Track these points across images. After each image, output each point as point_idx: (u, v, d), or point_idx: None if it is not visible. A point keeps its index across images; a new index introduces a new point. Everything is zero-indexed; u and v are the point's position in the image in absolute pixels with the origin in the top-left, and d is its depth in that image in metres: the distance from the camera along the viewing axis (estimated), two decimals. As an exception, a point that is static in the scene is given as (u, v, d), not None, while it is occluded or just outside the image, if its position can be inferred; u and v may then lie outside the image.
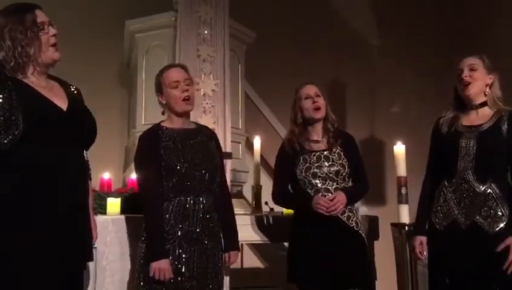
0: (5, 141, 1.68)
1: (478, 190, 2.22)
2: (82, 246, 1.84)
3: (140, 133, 2.43)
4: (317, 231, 2.35)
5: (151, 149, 2.24)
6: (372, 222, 3.08)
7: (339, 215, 2.36)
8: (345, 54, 4.95)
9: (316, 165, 2.41)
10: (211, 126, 2.72)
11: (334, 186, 2.40)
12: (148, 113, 3.53)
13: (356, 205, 2.59)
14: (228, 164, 3.14)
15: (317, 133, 2.50)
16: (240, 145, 3.69)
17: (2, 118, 1.67)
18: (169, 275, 2.12)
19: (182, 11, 3.36)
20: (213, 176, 2.28)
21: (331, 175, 2.40)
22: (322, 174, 2.40)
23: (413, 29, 5.02)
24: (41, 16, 1.83)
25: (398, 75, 4.98)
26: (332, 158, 2.43)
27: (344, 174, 2.42)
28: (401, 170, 3.05)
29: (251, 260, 4.16)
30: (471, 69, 2.30)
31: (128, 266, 2.58)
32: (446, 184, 2.30)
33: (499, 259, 2.14)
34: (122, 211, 2.72)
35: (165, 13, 3.57)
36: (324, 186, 2.39)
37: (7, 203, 1.69)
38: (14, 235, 1.68)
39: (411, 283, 2.93)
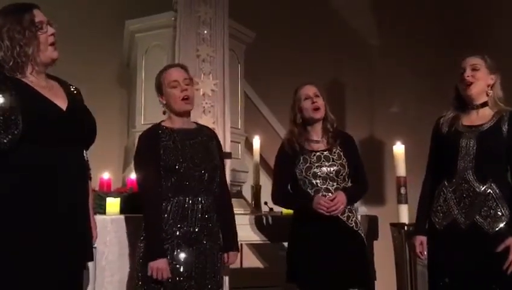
0: (5, 141, 1.68)
1: (478, 190, 2.22)
2: (82, 246, 1.84)
3: (140, 133, 2.43)
4: (317, 231, 2.35)
5: (151, 149, 2.24)
6: (372, 222, 3.08)
7: (338, 215, 2.36)
8: (345, 54, 4.95)
9: (316, 165, 2.41)
10: (210, 126, 2.72)
11: (335, 186, 2.40)
12: (148, 113, 3.53)
13: (355, 205, 2.59)
14: (227, 164, 3.13)
15: (316, 133, 2.50)
16: (240, 145, 3.69)
17: (1, 118, 1.67)
18: (167, 274, 2.12)
19: (182, 11, 3.36)
20: (212, 176, 2.28)
21: (331, 175, 2.40)
22: (322, 174, 2.40)
23: (413, 29, 5.02)
24: (39, 16, 1.83)
25: (397, 75, 4.98)
26: (332, 158, 2.43)
27: (344, 174, 2.43)
28: (401, 170, 3.06)
29: (250, 260, 4.16)
30: (474, 69, 2.30)
31: (128, 266, 2.58)
32: (446, 184, 2.30)
33: (498, 259, 2.14)
34: (122, 211, 2.73)
35: (164, 13, 3.57)
36: (324, 186, 2.40)
37: (7, 203, 1.69)
38: (14, 235, 1.68)
39: (410, 283, 2.93)
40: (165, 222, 2.18)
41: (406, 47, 5.02)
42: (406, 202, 3.03)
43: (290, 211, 2.74)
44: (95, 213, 2.14)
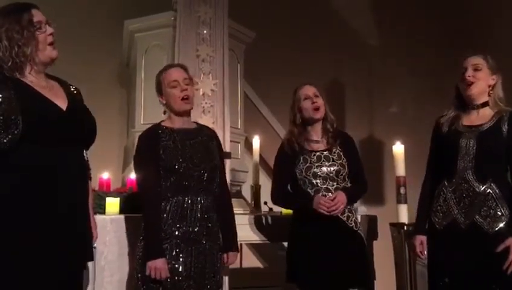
0: (5, 141, 1.68)
1: (478, 190, 2.22)
2: (82, 246, 1.84)
3: (139, 133, 2.43)
4: (317, 231, 2.35)
5: (151, 149, 2.24)
6: (371, 222, 3.08)
7: (338, 215, 2.36)
8: (345, 54, 4.95)
9: (316, 164, 2.41)
10: (210, 126, 2.72)
11: (335, 186, 2.41)
12: (147, 113, 3.53)
13: (355, 205, 2.59)
14: (227, 164, 3.13)
15: (316, 133, 2.51)
16: (239, 145, 3.69)
17: (1, 118, 1.67)
18: (165, 274, 2.12)
19: (181, 11, 3.36)
20: (212, 176, 2.28)
21: (331, 175, 2.41)
22: (322, 174, 2.40)
23: (413, 29, 5.02)
24: (37, 15, 1.83)
25: (397, 75, 4.98)
26: (332, 158, 2.44)
27: (344, 174, 2.43)
28: (400, 170, 3.06)
29: (250, 260, 4.16)
30: (475, 69, 2.29)
31: (127, 266, 2.58)
32: (446, 184, 2.30)
33: (498, 259, 2.14)
34: (121, 211, 2.72)
35: (164, 13, 3.57)
36: (324, 186, 2.40)
37: (7, 203, 1.69)
38: (14, 235, 1.68)
39: (410, 283, 2.93)
40: (164, 221, 2.18)
41: (406, 47, 5.02)
42: (406, 202, 3.04)
43: (290, 211, 2.74)
44: (94, 213, 2.14)
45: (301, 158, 2.44)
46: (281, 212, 3.08)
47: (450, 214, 2.27)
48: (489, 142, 2.25)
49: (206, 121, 3.08)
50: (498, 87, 2.32)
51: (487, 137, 2.26)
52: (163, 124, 2.34)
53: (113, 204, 2.71)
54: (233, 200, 2.60)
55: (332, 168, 2.41)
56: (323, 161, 2.43)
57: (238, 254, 2.55)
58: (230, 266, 2.54)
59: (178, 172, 2.21)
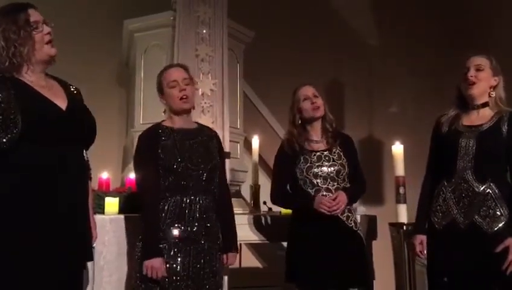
0: (4, 140, 1.68)
1: (477, 190, 2.23)
2: (82, 246, 1.84)
3: (139, 133, 2.43)
4: (317, 231, 2.35)
5: (150, 149, 2.24)
6: (371, 222, 3.08)
7: (338, 215, 2.37)
8: (345, 54, 4.94)
9: (316, 164, 2.42)
10: (209, 126, 2.72)
11: (335, 186, 2.41)
12: (147, 113, 3.52)
13: (354, 205, 2.60)
14: (226, 164, 3.13)
15: (316, 133, 2.51)
16: (238, 144, 3.68)
17: (0, 117, 1.68)
18: (162, 273, 2.12)
19: (181, 11, 3.36)
20: (211, 176, 2.28)
21: (331, 175, 2.41)
22: (323, 173, 2.41)
23: (413, 29, 5.01)
24: (34, 15, 1.83)
25: (397, 75, 4.98)
26: (332, 158, 2.44)
27: (344, 174, 2.44)
28: (399, 170, 3.07)
29: (249, 260, 4.16)
30: (478, 69, 2.29)
31: (126, 266, 2.57)
32: (445, 184, 2.30)
33: (497, 259, 2.14)
34: (121, 211, 2.72)
35: (163, 13, 3.56)
36: (325, 185, 2.40)
37: (7, 203, 1.69)
38: (14, 235, 1.68)
39: (409, 283, 2.94)
40: (162, 221, 2.18)
41: (406, 47, 5.01)
42: (405, 202, 3.04)
43: (289, 211, 2.74)
44: (94, 213, 2.14)
45: (301, 158, 2.44)
46: (280, 212, 3.08)
47: (450, 214, 2.27)
48: (489, 142, 2.25)
49: (205, 120, 3.08)
50: (500, 88, 2.32)
51: (487, 137, 2.26)
52: (163, 123, 2.34)
53: (112, 204, 2.71)
54: (233, 200, 2.60)
55: (332, 168, 2.42)
56: (324, 160, 2.43)
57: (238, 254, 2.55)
58: (230, 266, 2.53)
59: (176, 172, 2.21)
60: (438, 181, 2.35)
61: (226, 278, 2.61)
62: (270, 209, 3.20)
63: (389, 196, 4.23)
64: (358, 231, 2.45)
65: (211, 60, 3.34)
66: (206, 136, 2.37)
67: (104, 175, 3.05)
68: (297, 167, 2.44)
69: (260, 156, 3.54)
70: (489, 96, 2.31)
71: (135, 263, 2.24)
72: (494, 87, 2.31)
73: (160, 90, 2.36)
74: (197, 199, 2.23)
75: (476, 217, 2.22)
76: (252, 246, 4.19)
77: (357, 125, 4.65)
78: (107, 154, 3.97)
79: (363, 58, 5.00)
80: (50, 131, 1.76)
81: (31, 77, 1.81)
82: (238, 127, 3.72)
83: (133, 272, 2.29)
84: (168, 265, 2.14)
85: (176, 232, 2.18)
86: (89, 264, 2.25)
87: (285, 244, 2.65)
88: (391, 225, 3.04)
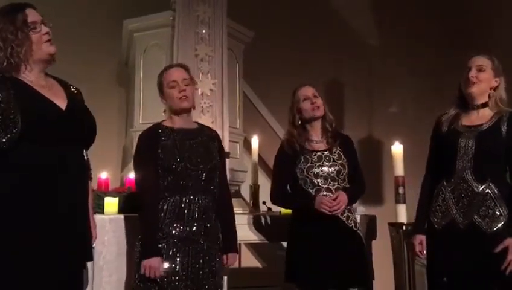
0: (4, 140, 1.69)
1: (476, 190, 2.23)
2: (82, 246, 1.84)
3: (138, 132, 2.44)
4: (317, 231, 2.36)
5: (150, 149, 2.25)
6: (370, 222, 3.08)
7: (338, 215, 2.37)
8: (345, 54, 4.94)
9: (317, 164, 2.42)
10: (208, 126, 2.72)
11: (335, 186, 2.42)
12: (146, 113, 3.52)
13: (354, 205, 2.60)
14: (226, 164, 3.13)
15: (316, 133, 2.51)
16: (238, 144, 3.68)
17: (0, 117, 1.68)
18: (159, 273, 2.12)
19: (180, 11, 3.35)
20: (211, 176, 2.28)
21: (332, 175, 2.42)
22: (323, 173, 2.41)
23: (413, 29, 5.01)
24: (32, 15, 1.83)
25: (397, 75, 4.98)
26: (333, 158, 2.45)
27: (344, 174, 2.45)
28: (399, 170, 3.07)
29: (249, 260, 4.16)
30: (479, 70, 2.29)
31: (126, 266, 2.57)
32: (445, 183, 2.31)
33: (497, 259, 2.14)
34: (120, 211, 2.72)
35: (163, 12, 3.56)
36: (326, 185, 2.41)
37: (7, 203, 1.69)
38: (14, 235, 1.68)
39: (408, 283, 2.94)
40: (161, 221, 2.18)
41: (406, 47, 5.01)
42: (404, 202, 3.04)
43: (289, 211, 2.74)
44: (94, 213, 2.14)
45: (302, 158, 2.45)
46: (279, 212, 3.08)
47: (449, 214, 2.27)
48: (488, 142, 2.25)
49: (204, 120, 3.08)
50: (501, 89, 2.32)
51: (486, 137, 2.26)
52: (163, 123, 2.34)
53: (111, 204, 2.71)
54: (232, 200, 2.60)
55: (333, 168, 2.42)
56: (324, 160, 2.44)
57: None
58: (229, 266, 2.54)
59: (176, 171, 2.21)
60: (437, 181, 2.35)
61: (225, 278, 2.61)
62: (269, 209, 3.20)
63: (388, 196, 4.22)
64: (358, 231, 2.46)
65: (211, 59, 3.34)
66: (207, 136, 2.38)
67: (104, 175, 3.05)
68: (298, 167, 2.44)
69: (260, 156, 3.54)
70: (490, 97, 2.31)
71: (134, 263, 2.24)
72: (495, 88, 2.31)
73: (161, 90, 2.36)
74: (196, 199, 2.23)
75: (475, 217, 2.22)
76: (252, 246, 4.19)
77: (357, 125, 4.65)
78: (107, 154, 3.97)
79: (363, 58, 5.00)
80: (50, 131, 1.76)
81: (31, 77, 1.82)
82: (238, 127, 3.71)
83: (132, 272, 2.28)
84: (166, 265, 2.14)
85: (174, 232, 2.18)
86: (89, 264, 2.25)
87: (284, 244, 2.65)
88: (390, 225, 3.04)
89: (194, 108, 2.42)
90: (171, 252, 2.16)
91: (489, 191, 2.22)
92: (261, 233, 2.97)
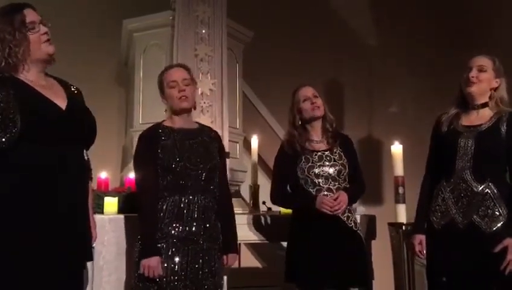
0: (3, 140, 1.68)
1: (476, 190, 2.23)
2: (82, 246, 1.84)
3: (138, 132, 2.44)
4: (317, 231, 2.36)
5: (150, 148, 2.25)
6: (370, 222, 3.08)
7: (339, 215, 2.37)
8: (345, 54, 4.94)
9: (318, 164, 2.43)
10: (209, 126, 2.72)
11: (336, 186, 2.42)
12: (146, 112, 3.52)
13: (354, 205, 2.60)
14: (226, 164, 3.13)
15: (316, 133, 2.52)
16: (238, 144, 3.68)
17: (-1, 117, 1.68)
18: (159, 272, 2.12)
19: (180, 10, 3.35)
20: (210, 176, 2.28)
21: (333, 175, 2.42)
22: (324, 173, 2.42)
23: (413, 29, 5.01)
24: (30, 15, 1.83)
25: (397, 75, 4.98)
26: (333, 158, 2.45)
27: (345, 174, 2.45)
28: (399, 170, 3.07)
29: (249, 260, 4.16)
30: (480, 70, 2.29)
31: (125, 266, 2.57)
32: (444, 183, 2.31)
33: (496, 259, 2.14)
34: (120, 211, 2.72)
35: (162, 12, 3.56)
36: (326, 185, 2.41)
37: (7, 203, 1.69)
38: (14, 235, 1.68)
39: (408, 282, 2.93)
40: (160, 221, 2.18)
41: (406, 47, 5.02)
42: (404, 202, 3.04)
43: (289, 211, 2.74)
44: (93, 213, 2.14)
45: (303, 158, 2.45)
46: (279, 212, 3.08)
47: (448, 214, 2.27)
48: (488, 142, 2.25)
49: (204, 120, 3.07)
50: (502, 90, 2.31)
51: (486, 137, 2.26)
52: (164, 123, 2.34)
53: (111, 204, 2.71)
54: (232, 200, 2.60)
55: (334, 168, 2.43)
56: (325, 160, 2.44)
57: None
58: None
59: (175, 171, 2.21)
60: (437, 181, 2.36)
61: (225, 278, 2.61)
62: (269, 209, 3.20)
63: (388, 196, 4.22)
64: (358, 231, 2.46)
65: (210, 59, 3.34)
66: (207, 137, 2.38)
67: (103, 175, 3.05)
68: (299, 167, 2.44)
69: (259, 156, 3.54)
70: (491, 97, 2.30)
71: (134, 263, 2.24)
72: (496, 89, 2.31)
73: (161, 90, 2.37)
74: (196, 198, 2.23)
75: (475, 217, 2.22)
76: (252, 246, 4.19)
77: (357, 125, 4.65)
78: (106, 154, 3.97)
79: (363, 58, 5.00)
80: (50, 131, 1.76)
81: (30, 77, 1.82)
82: (237, 127, 3.71)
83: (132, 272, 2.28)
84: (166, 265, 2.14)
85: (173, 232, 2.18)
86: (88, 264, 2.25)
87: (284, 244, 2.64)
88: (390, 224, 3.04)
89: (195, 108, 2.42)
90: (170, 252, 2.16)
91: (489, 191, 2.22)
92: (260, 233, 2.97)
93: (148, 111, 3.45)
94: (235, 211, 2.52)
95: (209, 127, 2.51)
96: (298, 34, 4.87)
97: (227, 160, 3.14)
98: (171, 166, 2.21)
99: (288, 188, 2.53)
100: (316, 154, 2.45)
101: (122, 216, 2.64)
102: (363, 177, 2.55)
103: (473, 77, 2.28)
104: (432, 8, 5.08)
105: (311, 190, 2.41)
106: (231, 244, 2.36)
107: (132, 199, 2.64)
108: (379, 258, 2.94)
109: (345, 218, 2.41)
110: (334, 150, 2.47)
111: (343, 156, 2.47)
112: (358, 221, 2.59)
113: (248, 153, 3.62)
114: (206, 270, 2.21)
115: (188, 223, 2.20)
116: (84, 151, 1.92)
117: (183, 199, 2.21)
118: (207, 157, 2.29)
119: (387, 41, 5.06)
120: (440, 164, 2.36)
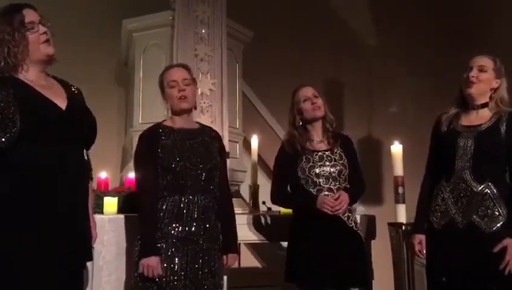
0: (3, 140, 1.69)
1: (475, 190, 2.23)
2: (82, 246, 1.84)
3: (138, 132, 2.44)
4: (318, 231, 2.36)
5: (150, 149, 2.25)
6: (370, 222, 3.07)
7: (340, 215, 2.37)
8: (344, 54, 4.94)
9: (319, 164, 2.43)
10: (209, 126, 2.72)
11: (337, 186, 2.42)
12: (146, 112, 3.52)
13: (354, 205, 2.59)
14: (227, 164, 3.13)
15: (317, 133, 2.52)
16: (238, 144, 3.68)
17: (-1, 116, 1.68)
18: (158, 272, 2.11)
19: (180, 10, 3.35)
20: (210, 176, 2.28)
21: (333, 175, 2.42)
22: (325, 173, 2.42)
23: (413, 29, 5.02)
24: (29, 15, 1.83)
25: (397, 75, 4.98)
26: (334, 158, 2.45)
27: (346, 174, 2.45)
28: (398, 170, 3.06)
29: (249, 260, 4.15)
30: (480, 70, 2.29)
31: (125, 266, 2.57)
32: (444, 183, 2.31)
33: (495, 259, 2.14)
34: (119, 211, 2.72)
35: (162, 12, 3.56)
36: (327, 185, 2.41)
37: (7, 203, 1.69)
38: (14, 235, 1.68)
39: (408, 282, 2.93)
40: (160, 220, 2.18)
41: (406, 47, 5.02)
42: (404, 202, 3.04)
43: (289, 211, 2.74)
44: (93, 212, 2.14)
45: (303, 158, 2.45)
46: (279, 211, 3.07)
47: (448, 214, 2.28)
48: (487, 142, 2.25)
49: (204, 120, 3.07)
50: (502, 90, 2.31)
51: (485, 137, 2.26)
52: (164, 123, 2.35)
53: (111, 204, 2.71)
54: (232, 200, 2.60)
55: (334, 168, 2.43)
56: (326, 160, 2.44)
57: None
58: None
59: (175, 171, 2.21)
60: (437, 181, 2.36)
61: (225, 278, 2.61)
62: (269, 209, 3.20)
63: (388, 196, 4.22)
64: (358, 231, 2.46)
65: (210, 59, 3.34)
66: (208, 137, 2.38)
67: (103, 175, 3.05)
68: (299, 167, 2.44)
69: (259, 156, 3.53)
70: (491, 98, 2.30)
71: (134, 263, 2.24)
72: (496, 89, 2.31)
73: (162, 90, 2.37)
74: (196, 198, 2.23)
75: (474, 217, 2.22)
76: (252, 246, 4.18)
77: (357, 125, 4.65)
78: (106, 154, 3.96)
79: (363, 58, 5.00)
80: (50, 131, 1.76)
81: (30, 77, 1.82)
82: (237, 127, 3.71)
83: (131, 272, 2.28)
84: (165, 264, 2.14)
85: (173, 232, 2.18)
86: (88, 264, 2.25)
87: (284, 244, 2.64)
88: (390, 224, 3.04)
89: (195, 108, 2.42)
90: (169, 252, 2.16)
91: (488, 191, 2.22)
92: (260, 233, 2.97)
93: (148, 111, 3.45)
94: (235, 211, 2.52)
95: (210, 127, 2.51)
96: (298, 34, 4.87)
97: (228, 160, 3.15)
98: (171, 166, 2.21)
99: (288, 188, 2.53)
100: (316, 154, 2.45)
101: (122, 216, 2.64)
102: (363, 177, 2.55)
103: (472, 76, 2.28)
104: (432, 8, 5.08)
105: (312, 190, 2.41)
106: (231, 245, 2.36)
107: (132, 198, 2.64)
108: (379, 258, 2.94)
109: (345, 218, 2.41)
110: (335, 150, 2.47)
111: (343, 156, 2.47)
112: (358, 221, 2.59)
113: (248, 153, 3.62)
114: (206, 270, 2.21)
115: (187, 223, 2.19)
116: (84, 151, 1.92)
117: (183, 199, 2.21)
118: (207, 157, 2.29)
119: (387, 41, 5.06)
120: (440, 164, 2.36)
